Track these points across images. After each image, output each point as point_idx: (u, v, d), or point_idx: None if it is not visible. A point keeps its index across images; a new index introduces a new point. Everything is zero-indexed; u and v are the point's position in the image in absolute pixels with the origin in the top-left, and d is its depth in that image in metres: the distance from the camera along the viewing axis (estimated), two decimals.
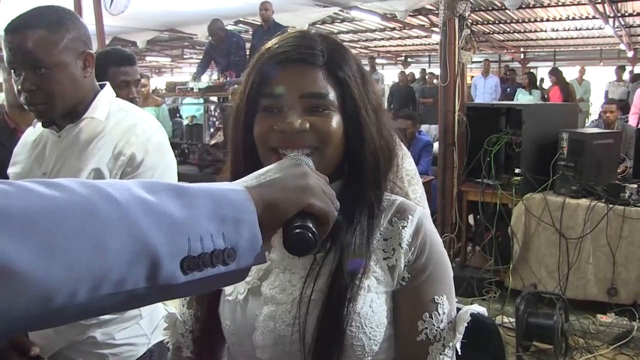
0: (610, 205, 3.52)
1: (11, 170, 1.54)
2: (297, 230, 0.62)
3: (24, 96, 1.36)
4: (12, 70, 1.36)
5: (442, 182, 4.45)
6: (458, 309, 0.94)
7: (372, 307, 0.86)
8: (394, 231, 0.90)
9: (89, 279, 0.46)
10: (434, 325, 0.89)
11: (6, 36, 1.33)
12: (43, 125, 1.50)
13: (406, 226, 0.90)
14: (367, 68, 11.03)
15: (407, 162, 2.08)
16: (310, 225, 0.63)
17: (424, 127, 7.39)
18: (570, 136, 3.73)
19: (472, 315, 1.43)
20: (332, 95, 0.86)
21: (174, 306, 1.04)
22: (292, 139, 0.83)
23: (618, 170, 4.22)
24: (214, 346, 0.99)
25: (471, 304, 3.27)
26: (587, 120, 10.09)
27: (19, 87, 1.35)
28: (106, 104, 1.49)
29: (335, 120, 0.86)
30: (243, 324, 0.90)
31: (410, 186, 2.05)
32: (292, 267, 0.91)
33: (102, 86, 1.53)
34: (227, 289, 0.93)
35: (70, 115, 1.44)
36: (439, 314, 0.89)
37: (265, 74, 0.86)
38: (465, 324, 0.90)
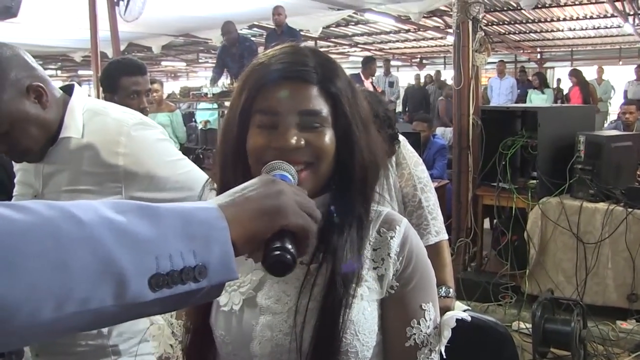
0: (630, 210, 3.45)
1: (15, 192, 1.50)
2: (276, 252, 0.62)
3: None
4: None
5: (457, 186, 4.41)
6: (442, 315, 0.98)
7: (364, 314, 0.89)
8: (383, 241, 0.93)
9: (52, 298, 0.46)
10: (421, 331, 0.93)
11: None
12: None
13: (394, 236, 0.93)
14: (382, 70, 11.02)
15: (419, 170, 2.07)
16: (289, 245, 0.63)
17: (438, 131, 7.35)
18: (588, 139, 3.68)
19: (486, 323, 1.43)
20: (325, 111, 0.88)
21: (161, 317, 1.05)
22: (288, 156, 0.84)
23: (638, 173, 4.15)
24: (205, 356, 1.00)
25: (487, 309, 3.24)
26: (605, 121, 9.95)
27: None
28: (79, 116, 1.37)
29: (329, 136, 0.88)
30: (239, 334, 0.92)
31: (423, 194, 2.03)
32: (286, 277, 0.91)
33: (68, 89, 1.41)
34: (222, 300, 0.94)
35: (46, 142, 1.35)
36: (426, 320, 0.94)
37: (260, 90, 0.87)
38: (450, 329, 0.95)
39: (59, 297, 0.47)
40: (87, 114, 1.39)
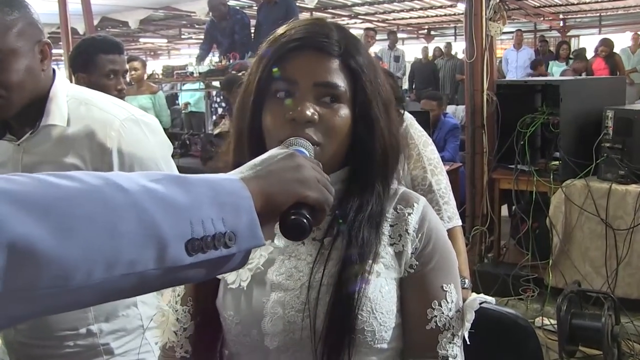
0: None
1: None
2: (293, 217, 0.71)
3: None
4: None
5: (471, 169, 4.41)
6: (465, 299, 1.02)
7: (381, 292, 0.94)
8: (400, 218, 1.00)
9: (103, 260, 0.54)
10: (443, 313, 0.97)
11: None
12: None
13: (412, 213, 1.00)
14: (386, 44, 10.97)
15: (428, 151, 2.07)
16: (305, 212, 0.72)
17: (449, 109, 7.34)
18: (617, 114, 3.65)
19: (505, 316, 1.44)
20: (343, 86, 0.94)
21: (166, 303, 1.09)
22: (300, 131, 0.90)
23: None
24: (212, 342, 1.05)
25: (506, 304, 3.27)
26: None
27: None
28: (63, 103, 1.40)
29: (343, 114, 0.94)
30: (249, 312, 0.97)
31: (433, 176, 2.04)
32: (297, 253, 0.99)
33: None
34: (229, 278, 1.00)
35: (25, 117, 1.37)
36: (448, 302, 0.98)
37: (280, 58, 0.94)
38: (474, 313, 0.99)
39: (109, 259, 0.54)
40: (72, 103, 1.41)
